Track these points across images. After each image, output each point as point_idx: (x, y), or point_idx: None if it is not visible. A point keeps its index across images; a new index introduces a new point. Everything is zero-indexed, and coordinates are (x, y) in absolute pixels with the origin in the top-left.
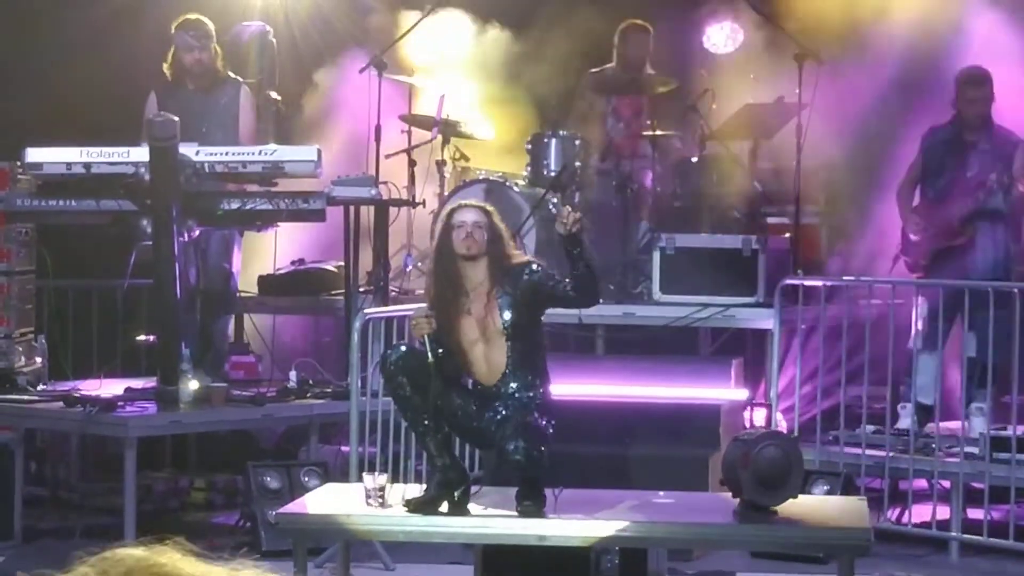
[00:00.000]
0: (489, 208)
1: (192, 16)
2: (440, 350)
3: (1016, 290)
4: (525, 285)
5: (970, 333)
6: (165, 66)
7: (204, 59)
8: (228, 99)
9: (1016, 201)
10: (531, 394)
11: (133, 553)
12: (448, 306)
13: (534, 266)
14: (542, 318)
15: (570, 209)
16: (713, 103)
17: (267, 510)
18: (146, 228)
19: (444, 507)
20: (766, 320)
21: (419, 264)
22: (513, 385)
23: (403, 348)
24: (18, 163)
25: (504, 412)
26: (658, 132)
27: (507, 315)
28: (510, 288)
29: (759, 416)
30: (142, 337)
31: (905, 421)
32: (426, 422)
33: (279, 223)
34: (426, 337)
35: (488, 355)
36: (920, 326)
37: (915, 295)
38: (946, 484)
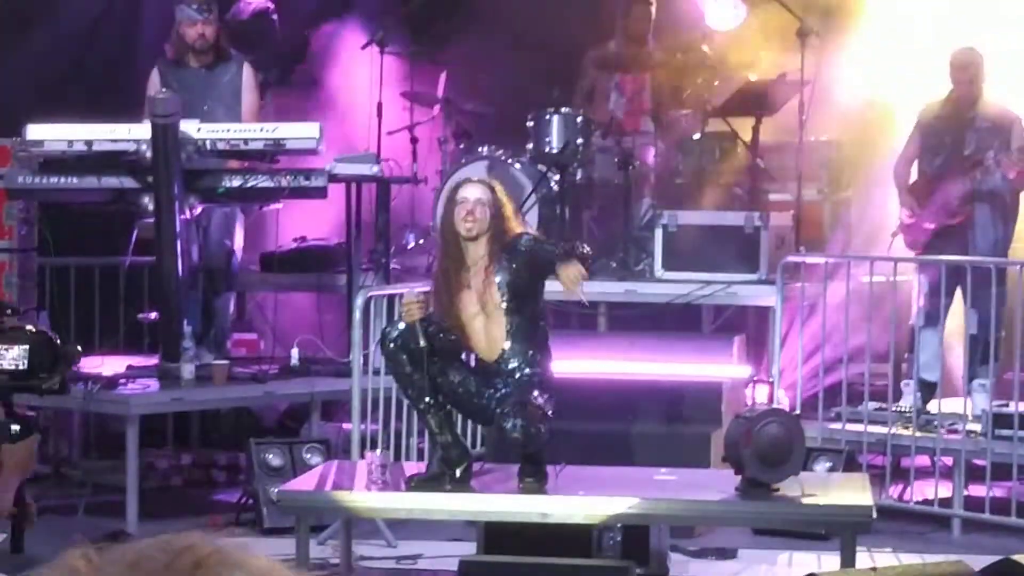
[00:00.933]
0: (494, 184)
1: None
2: (432, 329)
3: (1020, 267)
4: (520, 256)
5: (971, 310)
6: (167, 44)
7: (207, 33)
8: (230, 76)
9: (1013, 180)
10: (531, 371)
11: (204, 544)
12: (450, 280)
13: (526, 237)
14: (543, 294)
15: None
16: (715, 80)
17: (269, 487)
18: (148, 205)
19: (446, 484)
20: (768, 297)
21: (421, 241)
22: (514, 362)
23: (402, 326)
24: (19, 140)
25: (504, 390)
26: (659, 108)
27: (505, 289)
28: (507, 261)
29: (761, 393)
30: (144, 315)
31: (908, 399)
32: (427, 399)
33: (281, 200)
34: (416, 324)
35: (488, 329)
36: (921, 303)
37: (916, 272)
38: (948, 461)
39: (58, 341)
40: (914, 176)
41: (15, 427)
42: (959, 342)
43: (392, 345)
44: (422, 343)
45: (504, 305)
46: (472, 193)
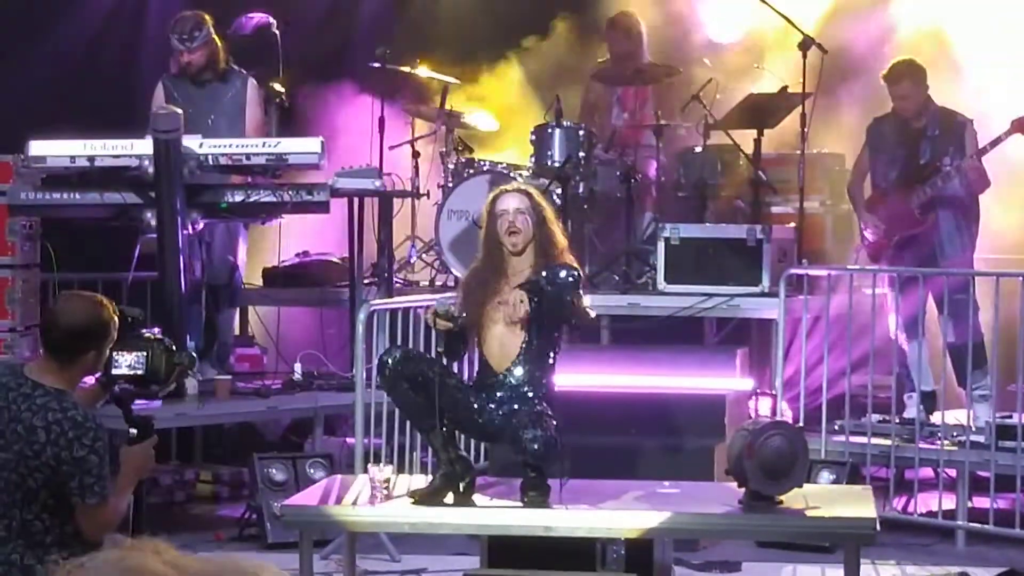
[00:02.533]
0: (530, 189)
1: (186, 13)
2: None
3: (998, 278)
4: (554, 292)
5: (947, 319)
6: (172, 58)
7: (195, 60)
8: (234, 91)
9: (971, 185)
10: (533, 388)
11: (109, 555)
12: (485, 284)
13: (565, 274)
14: (561, 332)
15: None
16: (717, 92)
17: (273, 502)
18: (150, 221)
19: (449, 498)
20: (771, 309)
21: (423, 255)
22: (519, 379)
23: (399, 352)
24: (22, 156)
25: (508, 406)
26: (662, 122)
27: (532, 310)
28: (544, 282)
29: (764, 405)
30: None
31: (912, 411)
32: (430, 421)
33: (283, 215)
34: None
35: (504, 340)
36: (898, 317)
37: (888, 286)
38: (952, 473)
39: (174, 348)
40: (867, 192)
41: (133, 431)
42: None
43: (391, 372)
44: (441, 349)
45: (525, 325)
46: (511, 204)
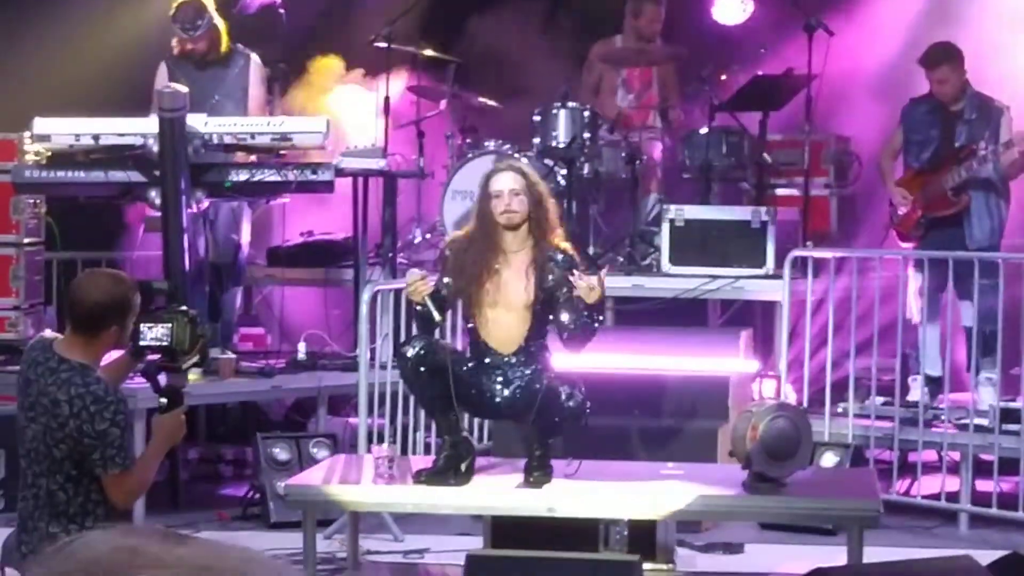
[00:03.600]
0: (523, 168)
1: (187, 1)
2: (446, 306)
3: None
4: (557, 271)
5: (965, 303)
6: (174, 40)
7: (198, 48)
8: (238, 71)
9: (1006, 169)
10: (541, 362)
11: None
12: (479, 262)
13: (565, 256)
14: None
15: (596, 282)
16: (722, 74)
17: (276, 482)
18: (155, 199)
19: (453, 479)
20: (775, 292)
21: (427, 235)
22: (525, 355)
23: (420, 344)
24: (26, 134)
25: (522, 381)
26: (667, 104)
27: (537, 292)
28: (549, 266)
29: (768, 388)
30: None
31: (916, 392)
32: (443, 405)
33: (287, 194)
34: (426, 299)
35: (508, 323)
36: (918, 298)
37: (905, 266)
38: (955, 456)
39: (198, 320)
40: (898, 172)
41: (163, 400)
42: (963, 337)
43: (411, 362)
44: (437, 317)
45: (534, 306)
46: (505, 184)
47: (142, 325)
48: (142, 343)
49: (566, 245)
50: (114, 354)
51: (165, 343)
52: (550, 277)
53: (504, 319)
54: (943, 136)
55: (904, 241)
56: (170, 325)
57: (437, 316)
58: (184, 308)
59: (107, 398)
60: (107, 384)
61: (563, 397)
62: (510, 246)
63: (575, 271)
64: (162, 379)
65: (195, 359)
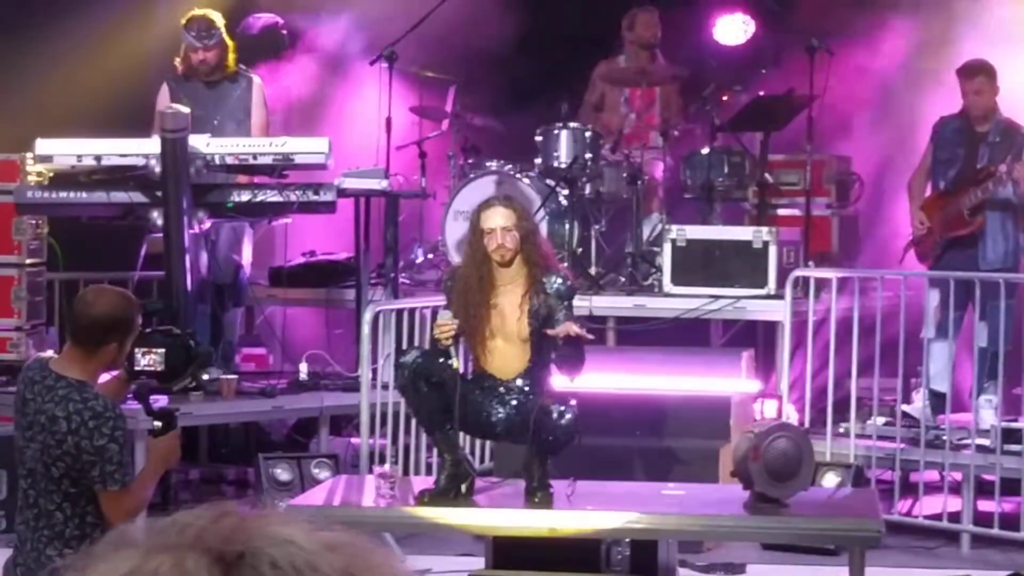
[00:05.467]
0: (515, 205)
1: (198, 13)
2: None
3: None
4: (549, 300)
5: (980, 323)
6: (177, 60)
7: (209, 59)
8: (240, 92)
9: None
10: (537, 388)
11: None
12: (476, 294)
13: (560, 283)
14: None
15: (568, 328)
16: (724, 95)
17: (278, 502)
18: (157, 220)
19: (454, 499)
20: (777, 312)
21: (429, 256)
22: (525, 381)
23: (417, 352)
24: (29, 155)
25: (514, 404)
26: (669, 124)
27: (535, 323)
28: (542, 295)
29: (770, 408)
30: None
31: (918, 404)
32: (441, 421)
33: (289, 215)
34: (451, 345)
35: (506, 354)
36: (933, 315)
37: (927, 284)
38: (957, 476)
39: (193, 343)
40: (929, 191)
41: (157, 423)
42: (969, 356)
43: (409, 372)
44: (457, 364)
45: (532, 337)
46: (496, 221)
47: (136, 350)
48: (136, 368)
49: (562, 272)
50: (106, 376)
51: (159, 368)
52: (542, 308)
53: (504, 350)
54: (967, 156)
55: (923, 260)
56: (164, 350)
57: (456, 362)
58: (178, 331)
59: (106, 413)
60: (106, 400)
61: (555, 416)
62: (504, 280)
63: (564, 304)
64: (160, 400)
65: (188, 382)
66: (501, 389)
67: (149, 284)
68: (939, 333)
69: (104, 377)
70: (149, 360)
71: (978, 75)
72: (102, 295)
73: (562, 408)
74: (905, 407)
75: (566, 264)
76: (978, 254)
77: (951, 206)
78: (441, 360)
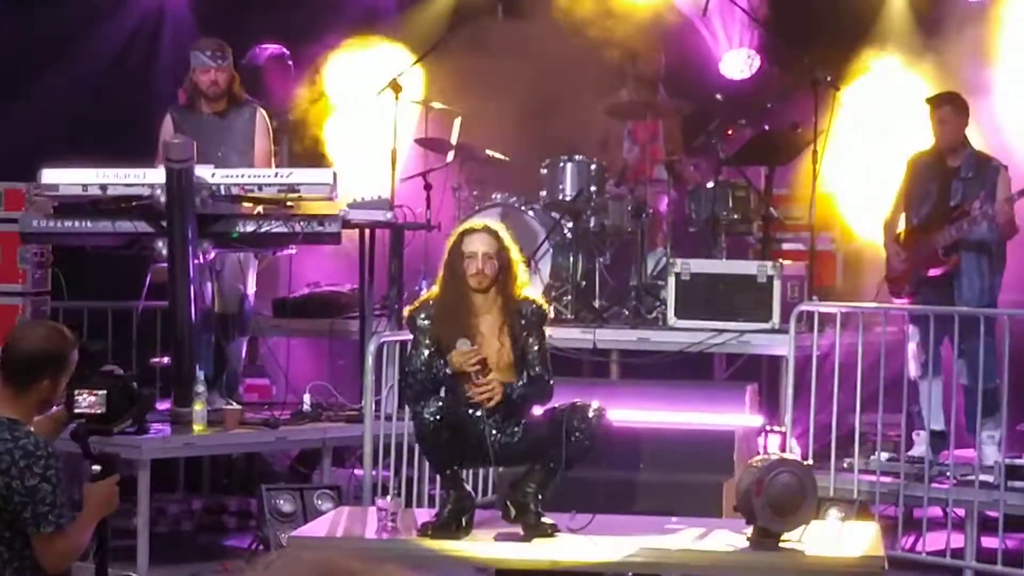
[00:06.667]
0: (499, 233)
1: (209, 39)
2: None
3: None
4: (525, 326)
5: (960, 361)
6: (181, 89)
7: (220, 80)
8: (243, 122)
9: (1000, 229)
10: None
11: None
12: (454, 323)
13: (534, 309)
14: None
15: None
16: (729, 129)
17: (280, 533)
18: (161, 250)
19: (457, 531)
20: (781, 346)
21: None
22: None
23: (436, 404)
24: (34, 184)
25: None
26: (673, 157)
27: (514, 349)
28: (520, 324)
29: (773, 442)
30: (156, 359)
31: (920, 448)
32: (458, 459)
33: (294, 246)
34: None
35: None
36: (915, 354)
37: (907, 322)
38: (960, 512)
39: (135, 386)
40: (902, 226)
41: (96, 467)
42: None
43: (432, 422)
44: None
45: (514, 363)
46: (479, 247)
47: (76, 392)
48: (76, 410)
49: (537, 298)
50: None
51: (101, 411)
52: (516, 334)
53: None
54: (939, 192)
55: (896, 297)
56: (106, 392)
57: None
58: (121, 373)
59: (37, 452)
60: (38, 438)
61: (590, 414)
62: (480, 307)
63: (536, 330)
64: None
65: (128, 424)
66: (495, 417)
67: (154, 314)
68: (924, 372)
69: (38, 419)
70: (90, 402)
71: (944, 105)
72: (33, 330)
73: (597, 407)
74: (909, 453)
75: (569, 297)
76: (954, 292)
77: (925, 244)
78: (462, 408)
